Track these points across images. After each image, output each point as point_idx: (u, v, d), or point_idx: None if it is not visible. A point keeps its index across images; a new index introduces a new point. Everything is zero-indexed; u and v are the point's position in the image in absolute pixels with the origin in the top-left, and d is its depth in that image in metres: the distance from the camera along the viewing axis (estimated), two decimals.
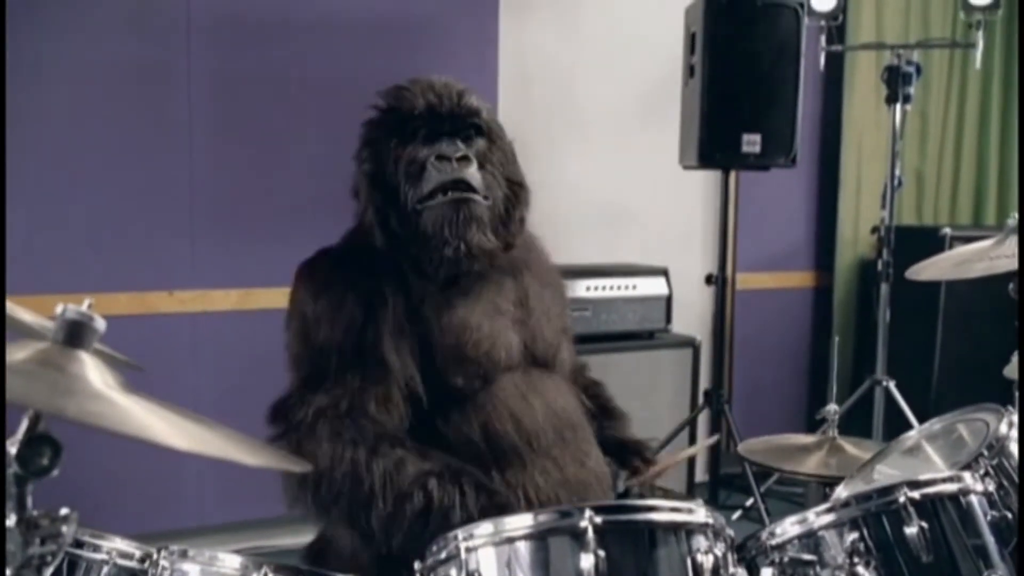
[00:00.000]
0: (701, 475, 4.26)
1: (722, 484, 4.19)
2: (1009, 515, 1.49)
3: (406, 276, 1.85)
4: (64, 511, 1.03)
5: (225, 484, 3.50)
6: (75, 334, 1.01)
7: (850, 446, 2.21)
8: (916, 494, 1.41)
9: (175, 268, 3.62)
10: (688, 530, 1.29)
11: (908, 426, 3.83)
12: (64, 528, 1.03)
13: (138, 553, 1.53)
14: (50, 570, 1.04)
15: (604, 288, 4.10)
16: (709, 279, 4.12)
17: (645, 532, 1.27)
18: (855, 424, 4.36)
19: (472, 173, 1.84)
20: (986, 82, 5.19)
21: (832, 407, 2.24)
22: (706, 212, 4.60)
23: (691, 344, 4.22)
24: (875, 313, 4.30)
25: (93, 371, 0.99)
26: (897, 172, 4.21)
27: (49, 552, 1.02)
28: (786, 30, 3.84)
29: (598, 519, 1.23)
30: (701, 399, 4.14)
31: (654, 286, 4.21)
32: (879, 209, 4.33)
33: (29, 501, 1.02)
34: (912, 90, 4.17)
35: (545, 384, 1.91)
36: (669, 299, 4.21)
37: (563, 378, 2.01)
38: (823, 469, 2.14)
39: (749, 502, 3.99)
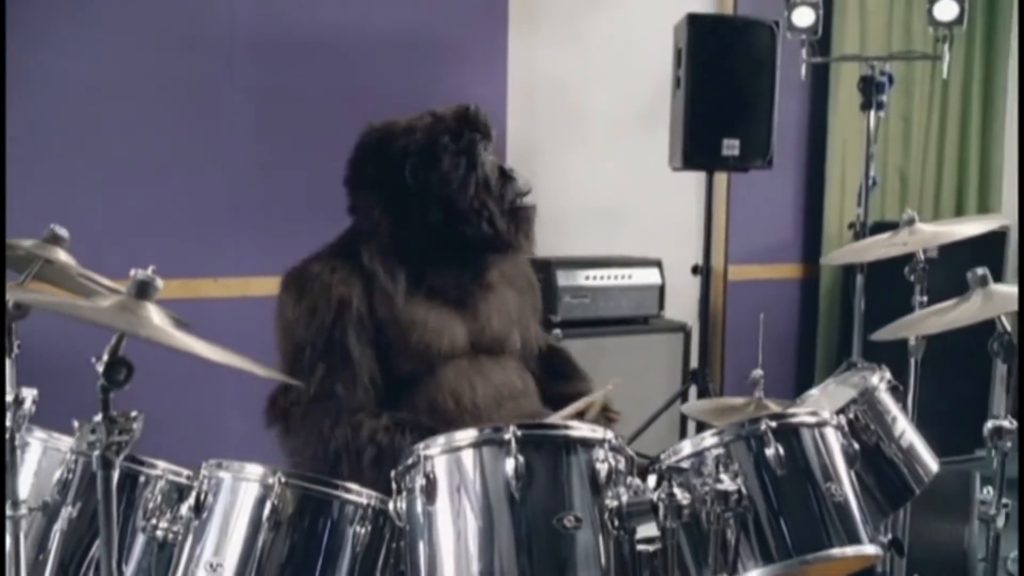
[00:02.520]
0: None
1: None
2: (856, 444, 1.90)
3: (371, 283, 2.29)
4: (134, 413, 1.49)
5: (267, 444, 3.96)
6: (142, 290, 1.47)
7: (773, 405, 2.61)
8: (774, 423, 1.82)
9: (219, 257, 4.04)
10: (590, 444, 1.70)
11: None
12: (135, 425, 1.48)
13: (185, 471, 1.99)
14: (123, 454, 1.50)
15: (602, 278, 4.49)
16: (695, 269, 4.51)
17: (556, 443, 1.69)
18: None
19: None
20: (967, 88, 5.55)
21: (758, 371, 2.64)
22: (699, 209, 4.99)
23: (682, 329, 4.61)
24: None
25: (154, 314, 1.45)
26: (872, 173, 4.56)
27: (124, 441, 1.48)
28: (762, 46, 4.22)
29: (519, 432, 1.65)
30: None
31: (648, 276, 4.59)
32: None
33: (111, 405, 1.48)
34: (885, 98, 4.49)
35: (490, 367, 2.35)
36: (662, 288, 4.60)
37: (512, 360, 2.44)
38: None
39: None
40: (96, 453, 1.45)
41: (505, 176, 2.38)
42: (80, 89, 3.76)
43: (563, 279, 4.42)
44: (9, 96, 3.53)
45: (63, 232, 1.84)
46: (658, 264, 4.63)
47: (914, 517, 3.50)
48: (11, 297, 1.71)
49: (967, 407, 5.28)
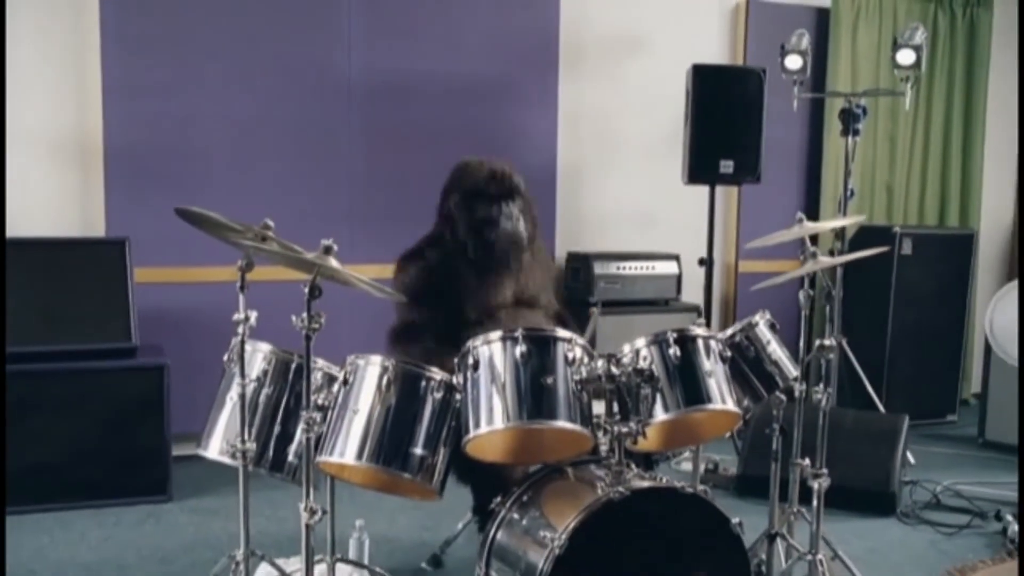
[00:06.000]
0: None
1: None
2: (729, 352, 3.18)
3: (450, 263, 3.65)
4: (321, 313, 2.84)
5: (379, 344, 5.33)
6: (328, 249, 2.83)
7: None
8: (675, 334, 3.08)
9: (340, 249, 5.41)
10: (565, 340, 2.98)
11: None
12: (322, 319, 2.83)
13: (336, 367, 3.32)
14: (315, 336, 2.84)
15: (631, 268, 5.74)
16: (701, 261, 5.70)
17: (545, 338, 2.96)
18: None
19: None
20: (948, 111, 6.70)
21: (701, 320, 3.89)
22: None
23: (695, 310, 5.79)
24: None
25: (334, 261, 2.80)
26: (850, 186, 5.63)
27: (316, 327, 2.83)
28: (752, 87, 5.43)
29: (524, 333, 2.94)
30: None
31: (668, 267, 5.84)
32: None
33: (313, 307, 2.83)
34: (860, 126, 5.55)
35: (527, 315, 3.67)
36: (679, 277, 5.84)
37: (543, 311, 3.77)
38: None
39: None
40: (303, 333, 2.81)
41: (490, 222, 3.65)
42: (246, 126, 5.23)
43: (599, 268, 5.68)
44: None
45: (271, 223, 3.18)
46: (676, 258, 5.87)
47: (851, 445, 4.66)
48: (245, 258, 3.08)
49: (938, 377, 6.40)
